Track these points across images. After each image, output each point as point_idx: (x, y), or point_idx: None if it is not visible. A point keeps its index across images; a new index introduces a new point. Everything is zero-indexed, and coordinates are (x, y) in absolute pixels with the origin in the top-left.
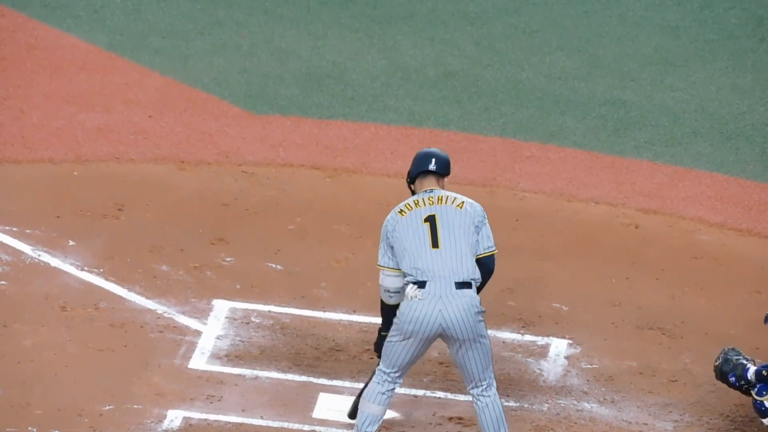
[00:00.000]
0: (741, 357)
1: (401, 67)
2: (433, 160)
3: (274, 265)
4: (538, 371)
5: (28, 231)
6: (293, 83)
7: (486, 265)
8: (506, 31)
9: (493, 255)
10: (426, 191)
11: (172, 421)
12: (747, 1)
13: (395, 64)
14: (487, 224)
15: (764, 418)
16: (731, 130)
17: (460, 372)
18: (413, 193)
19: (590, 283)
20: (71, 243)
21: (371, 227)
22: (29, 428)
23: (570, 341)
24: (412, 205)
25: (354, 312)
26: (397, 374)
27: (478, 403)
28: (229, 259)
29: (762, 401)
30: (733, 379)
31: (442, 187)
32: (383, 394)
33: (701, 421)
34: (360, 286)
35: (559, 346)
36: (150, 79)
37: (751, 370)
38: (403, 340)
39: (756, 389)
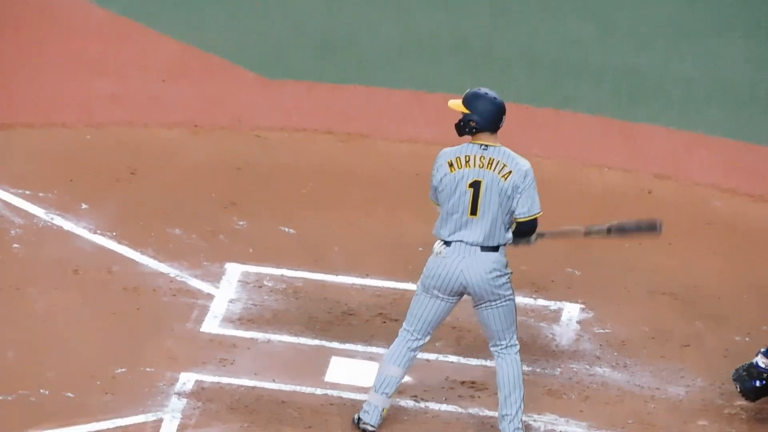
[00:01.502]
0: (741, 367)
1: (415, 34)
2: (503, 118)
3: (286, 229)
4: (551, 336)
5: (41, 194)
6: (307, 49)
7: (522, 226)
8: None
9: (529, 221)
10: (480, 146)
11: (184, 384)
12: None
13: (409, 30)
14: (532, 188)
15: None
16: (745, 97)
17: (483, 330)
18: (462, 124)
19: (603, 248)
20: (84, 206)
21: (384, 192)
22: (41, 390)
23: (582, 306)
24: (463, 162)
25: (367, 276)
26: (419, 332)
27: (498, 360)
28: (241, 222)
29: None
30: (757, 382)
31: (497, 140)
32: (403, 354)
33: (713, 386)
34: (373, 250)
35: (571, 311)
36: (164, 44)
37: (758, 358)
38: (427, 295)
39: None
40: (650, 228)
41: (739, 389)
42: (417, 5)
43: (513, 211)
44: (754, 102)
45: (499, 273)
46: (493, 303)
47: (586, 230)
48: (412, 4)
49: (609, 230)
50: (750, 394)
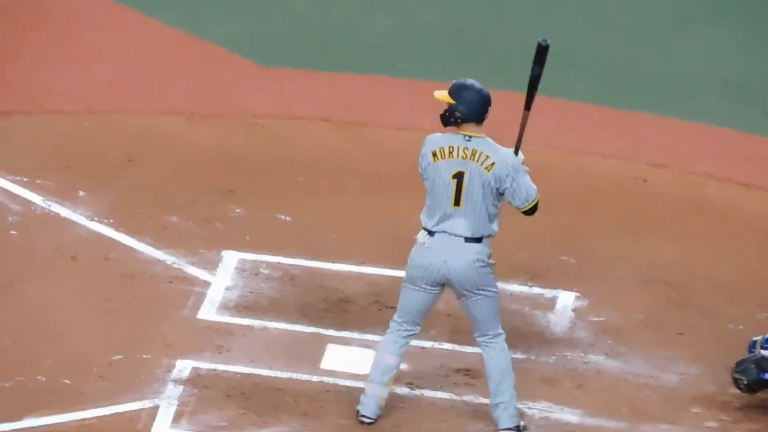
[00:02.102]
0: (747, 360)
1: (412, 23)
2: (489, 109)
3: (283, 217)
4: (546, 324)
5: (38, 181)
6: (304, 37)
7: (526, 213)
8: None
9: (531, 208)
10: (465, 137)
11: (181, 371)
12: None
13: (406, 20)
14: (520, 177)
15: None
16: (739, 86)
17: (469, 320)
18: (447, 114)
19: (598, 237)
20: (81, 193)
21: (381, 180)
22: (38, 377)
23: (577, 294)
24: (446, 152)
25: (363, 264)
26: (408, 323)
27: (486, 350)
28: (238, 210)
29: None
30: (766, 375)
31: (481, 131)
32: (396, 342)
33: (706, 374)
34: (370, 239)
35: (566, 299)
36: (160, 32)
37: (757, 348)
38: (411, 285)
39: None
40: (541, 56)
41: (744, 382)
42: None
43: (496, 205)
44: (748, 91)
45: (482, 264)
46: (478, 294)
47: (526, 110)
48: None
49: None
50: (755, 386)
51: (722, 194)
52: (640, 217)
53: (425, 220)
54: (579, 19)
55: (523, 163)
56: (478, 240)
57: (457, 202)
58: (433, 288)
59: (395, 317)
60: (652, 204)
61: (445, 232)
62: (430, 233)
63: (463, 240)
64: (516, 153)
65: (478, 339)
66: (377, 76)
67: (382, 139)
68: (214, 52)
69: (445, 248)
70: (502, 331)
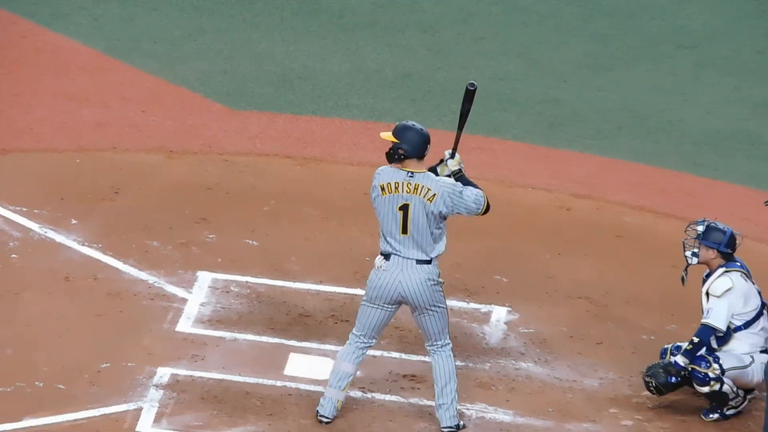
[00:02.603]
0: (656, 365)
1: (363, 69)
2: (429, 147)
3: (250, 242)
4: (481, 335)
5: (36, 211)
6: (268, 83)
7: (483, 214)
8: (455, 38)
9: (484, 211)
10: (408, 173)
11: (161, 377)
12: (667, 13)
13: (358, 67)
14: (464, 194)
15: (704, 386)
16: (652, 125)
17: (420, 332)
18: (391, 152)
19: (527, 258)
20: (73, 222)
21: (336, 209)
22: (36, 383)
23: (509, 309)
24: (393, 187)
25: (321, 283)
26: (366, 337)
27: (434, 356)
28: (211, 236)
29: (702, 371)
30: (673, 379)
31: (422, 167)
32: (354, 353)
33: (623, 379)
34: (326, 260)
35: (499, 313)
36: (142, 79)
37: (677, 359)
38: (370, 304)
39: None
40: (469, 95)
41: (653, 384)
42: (365, 45)
43: (441, 227)
44: (660, 129)
45: (433, 282)
46: (430, 310)
47: (460, 123)
48: (361, 44)
49: (462, 114)
50: (663, 388)
51: (637, 221)
52: (564, 242)
53: (381, 246)
54: (511, 65)
55: (460, 163)
56: (428, 262)
57: (404, 230)
58: (390, 306)
59: (354, 331)
60: (574, 229)
61: (398, 255)
62: (386, 257)
63: (414, 262)
64: (453, 155)
65: (428, 347)
66: (332, 118)
67: (337, 173)
68: (190, 96)
69: (399, 270)
70: (449, 341)
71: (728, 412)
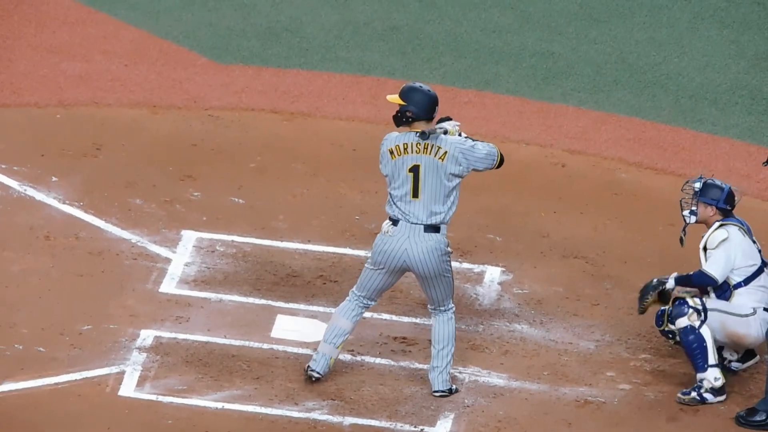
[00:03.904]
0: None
1: (352, 22)
2: (437, 109)
3: (236, 200)
4: (474, 296)
5: (15, 168)
6: (254, 36)
7: (498, 167)
8: None
9: (498, 164)
10: (417, 134)
11: (144, 339)
12: None
13: (346, 19)
14: (475, 149)
15: (682, 317)
16: (648, 79)
17: (425, 295)
18: (399, 115)
19: (521, 217)
20: (54, 179)
21: (324, 165)
22: (15, 345)
23: (503, 269)
24: (402, 149)
25: (309, 242)
26: (366, 298)
27: (435, 318)
28: (196, 193)
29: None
30: (654, 282)
31: (431, 126)
32: (353, 310)
33: (620, 341)
34: (314, 218)
35: (493, 273)
36: (125, 32)
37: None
38: (374, 268)
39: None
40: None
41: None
42: None
43: (453, 189)
44: (656, 83)
45: (441, 252)
46: (436, 278)
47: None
48: None
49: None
50: (644, 290)
51: (633, 177)
52: (559, 199)
53: (388, 211)
54: (504, 18)
55: (458, 128)
56: (437, 229)
57: (415, 194)
58: (394, 273)
59: (355, 290)
60: (569, 187)
61: (406, 221)
62: (394, 222)
63: (422, 229)
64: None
65: (430, 309)
66: (320, 71)
67: (325, 128)
68: (174, 50)
69: (406, 237)
70: (453, 305)
71: (706, 395)
